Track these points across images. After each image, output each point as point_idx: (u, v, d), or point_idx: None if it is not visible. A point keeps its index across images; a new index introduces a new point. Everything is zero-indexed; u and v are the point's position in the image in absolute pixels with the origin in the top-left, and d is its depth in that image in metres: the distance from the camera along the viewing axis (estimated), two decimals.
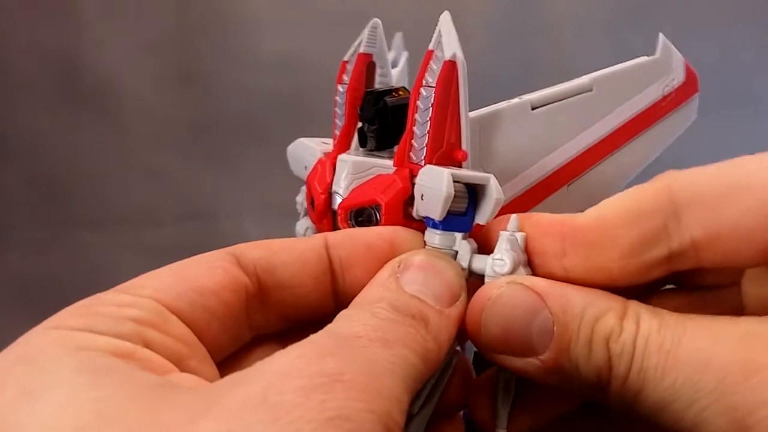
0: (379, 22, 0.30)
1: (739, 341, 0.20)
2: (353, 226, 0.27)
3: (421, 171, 0.25)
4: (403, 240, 0.25)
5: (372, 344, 0.19)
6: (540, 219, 0.24)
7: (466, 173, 0.24)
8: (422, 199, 0.24)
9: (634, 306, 0.22)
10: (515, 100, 0.30)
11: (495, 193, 0.24)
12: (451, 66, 0.25)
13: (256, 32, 0.77)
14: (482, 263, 0.24)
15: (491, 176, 0.24)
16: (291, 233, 0.33)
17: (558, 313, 0.22)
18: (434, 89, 0.25)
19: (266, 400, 0.16)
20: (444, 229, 0.24)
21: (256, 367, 0.18)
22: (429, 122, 0.25)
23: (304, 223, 0.33)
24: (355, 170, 0.27)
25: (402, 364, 0.19)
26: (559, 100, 0.31)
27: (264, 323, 0.24)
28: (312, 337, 0.19)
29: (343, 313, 0.21)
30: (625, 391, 0.21)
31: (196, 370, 0.21)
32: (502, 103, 0.29)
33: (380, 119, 0.28)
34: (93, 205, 0.85)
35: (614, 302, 0.22)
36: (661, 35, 0.34)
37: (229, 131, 0.81)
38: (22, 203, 0.85)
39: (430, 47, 0.26)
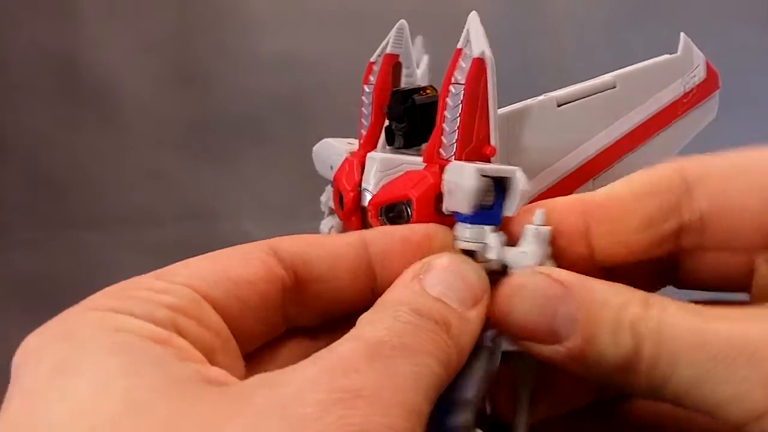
0: (406, 23, 0.31)
1: None
2: (384, 223, 0.27)
3: (447, 168, 0.25)
4: (437, 235, 0.25)
5: (395, 352, 0.19)
6: (557, 202, 0.25)
7: (492, 167, 0.25)
8: (449, 194, 0.25)
9: (655, 295, 0.23)
10: (541, 97, 0.31)
11: (521, 185, 0.24)
12: (479, 63, 0.26)
13: (256, 32, 0.77)
14: (511, 255, 0.25)
15: (517, 169, 0.25)
16: (291, 232, 0.33)
17: (583, 301, 0.22)
18: (464, 86, 0.26)
19: (287, 412, 0.17)
20: (473, 222, 0.25)
21: (282, 375, 0.18)
22: (458, 119, 0.26)
23: (328, 222, 0.34)
24: (383, 167, 0.28)
25: (425, 373, 0.20)
26: (584, 97, 0.32)
27: (298, 316, 0.25)
28: (337, 345, 0.20)
29: (366, 316, 0.21)
30: (652, 374, 0.21)
31: (225, 363, 0.21)
32: (528, 100, 0.30)
33: (409, 117, 0.29)
34: (93, 205, 0.85)
35: (637, 292, 0.23)
36: (682, 34, 0.35)
37: (229, 131, 0.81)
38: (22, 203, 0.85)
39: (459, 46, 0.26)
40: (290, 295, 0.24)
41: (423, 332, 0.21)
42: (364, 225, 0.29)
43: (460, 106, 0.26)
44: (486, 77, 0.26)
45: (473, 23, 0.26)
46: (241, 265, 0.24)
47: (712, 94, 0.37)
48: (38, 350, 0.19)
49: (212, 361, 0.21)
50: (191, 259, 0.24)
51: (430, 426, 0.21)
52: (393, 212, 0.27)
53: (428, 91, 0.29)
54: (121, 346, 0.19)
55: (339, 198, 0.30)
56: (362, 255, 0.25)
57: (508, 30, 0.74)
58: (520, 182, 0.24)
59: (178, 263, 0.24)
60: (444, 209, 0.26)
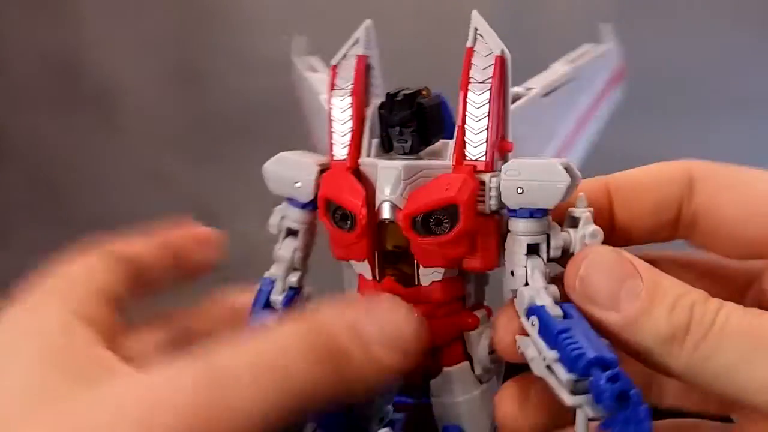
0: (371, 22, 0.29)
1: None
2: (420, 234, 0.26)
3: (511, 166, 0.26)
4: None
5: (240, 375, 0.21)
6: (586, 183, 0.27)
7: (562, 161, 0.26)
8: (526, 192, 0.26)
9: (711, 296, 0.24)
10: (521, 88, 0.32)
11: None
12: (502, 61, 0.26)
13: (256, 32, 0.77)
14: (570, 238, 0.26)
15: (564, 160, 0.26)
16: None
17: (649, 281, 0.24)
18: (490, 85, 0.26)
19: (112, 422, 0.20)
20: (532, 216, 0.26)
21: (127, 380, 0.22)
22: (487, 117, 0.26)
23: (290, 244, 0.30)
24: (407, 175, 0.27)
25: (266, 401, 0.21)
26: (558, 88, 0.33)
27: None
28: (186, 361, 0.22)
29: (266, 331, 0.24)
30: (695, 352, 0.23)
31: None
32: (514, 88, 0.30)
33: (419, 121, 0.27)
34: (93, 205, 0.85)
35: (700, 290, 0.25)
36: (605, 25, 0.38)
37: (229, 131, 0.81)
38: (22, 203, 0.85)
39: (469, 45, 0.27)
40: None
41: (300, 361, 0.22)
42: (375, 241, 0.28)
43: (488, 104, 0.26)
44: (507, 73, 0.27)
45: (479, 22, 0.27)
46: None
47: (622, 81, 0.40)
48: None
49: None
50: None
51: None
52: (432, 220, 0.26)
53: (424, 93, 0.28)
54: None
55: (336, 217, 0.28)
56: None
57: (508, 29, 0.74)
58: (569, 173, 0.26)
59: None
60: (513, 206, 0.26)
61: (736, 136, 0.62)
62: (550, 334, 0.24)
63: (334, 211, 0.28)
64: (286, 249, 0.30)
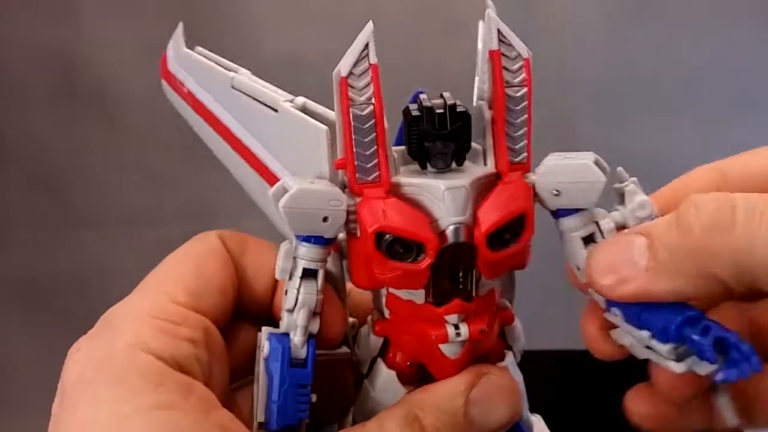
0: (372, 25, 0.27)
1: None
2: (495, 249, 0.25)
3: (544, 169, 0.26)
4: None
5: None
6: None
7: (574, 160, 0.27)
8: (564, 193, 0.26)
9: None
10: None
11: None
12: (529, 64, 0.26)
13: (256, 32, 0.77)
14: (621, 215, 0.27)
15: (592, 155, 0.26)
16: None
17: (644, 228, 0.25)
18: (527, 87, 0.26)
19: None
20: (577, 212, 0.27)
21: None
22: (526, 120, 0.26)
23: (310, 288, 0.27)
24: (474, 191, 0.26)
25: None
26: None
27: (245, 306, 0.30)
28: None
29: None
30: (744, 235, 0.22)
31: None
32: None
33: (464, 133, 0.26)
34: (93, 205, 0.85)
35: None
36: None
37: None
38: (22, 203, 0.85)
39: (494, 47, 0.26)
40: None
41: None
42: (440, 268, 0.26)
43: (526, 106, 0.26)
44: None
45: (499, 24, 0.26)
46: (219, 268, 0.27)
47: None
48: (83, 382, 0.23)
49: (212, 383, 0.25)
50: (170, 264, 0.27)
51: None
52: (508, 233, 0.26)
53: (458, 102, 0.26)
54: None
55: (394, 249, 0.25)
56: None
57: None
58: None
59: (161, 271, 0.27)
60: (551, 208, 0.27)
61: (737, 136, 0.62)
62: (634, 317, 0.25)
63: (391, 243, 0.25)
64: (308, 293, 0.27)
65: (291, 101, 0.28)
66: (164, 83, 0.31)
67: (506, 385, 0.27)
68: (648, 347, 0.25)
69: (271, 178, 0.29)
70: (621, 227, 0.27)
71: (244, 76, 0.29)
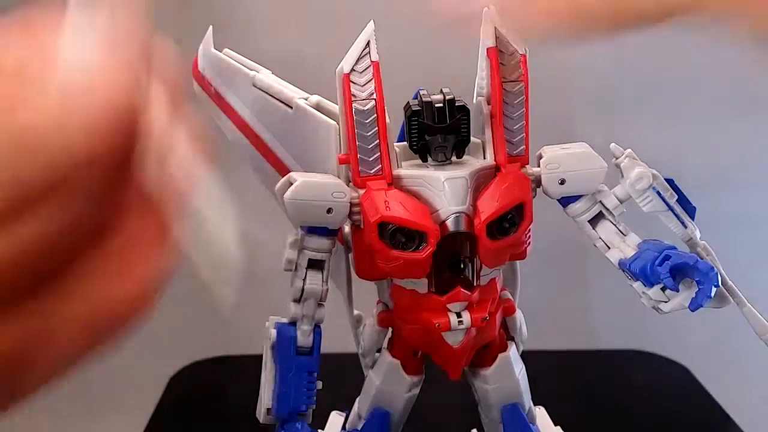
0: (373, 24, 0.28)
1: None
2: (495, 238, 0.26)
3: (550, 159, 0.28)
4: None
5: None
6: None
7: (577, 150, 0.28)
8: (569, 182, 0.27)
9: None
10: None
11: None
12: (526, 59, 0.27)
13: (256, 32, 0.77)
14: (623, 191, 0.28)
15: (584, 143, 0.28)
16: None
17: None
18: (523, 83, 0.27)
19: None
20: (578, 199, 0.28)
21: None
22: (523, 114, 0.28)
23: (317, 278, 0.27)
24: (471, 183, 0.27)
25: None
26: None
27: None
28: None
29: None
30: None
31: None
32: None
33: (465, 127, 0.27)
34: None
35: None
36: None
37: None
38: None
39: (491, 44, 0.27)
40: None
41: None
42: (442, 258, 0.27)
43: (524, 101, 0.28)
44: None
45: (497, 21, 0.27)
46: None
47: None
48: None
49: None
50: None
51: None
52: (508, 222, 0.27)
53: (457, 97, 0.27)
54: None
55: (396, 239, 0.26)
56: None
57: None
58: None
59: None
60: (555, 196, 0.28)
61: (738, 136, 0.62)
62: (633, 272, 0.27)
63: (394, 233, 0.26)
64: (314, 283, 0.28)
65: (306, 99, 0.30)
66: (195, 83, 0.32)
67: None
68: (649, 298, 0.27)
69: (286, 172, 0.29)
70: (624, 201, 0.28)
71: (264, 75, 0.31)
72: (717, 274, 0.26)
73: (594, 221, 0.28)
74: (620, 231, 0.28)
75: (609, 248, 0.28)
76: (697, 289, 0.26)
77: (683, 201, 0.28)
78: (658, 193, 0.27)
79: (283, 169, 0.30)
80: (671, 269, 0.26)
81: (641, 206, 0.27)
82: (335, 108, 0.28)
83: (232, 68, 0.31)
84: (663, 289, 0.26)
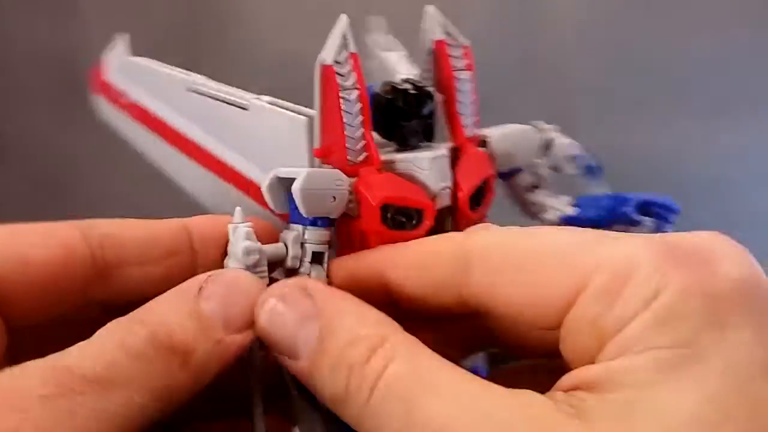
0: (347, 17, 0.29)
1: (481, 419, 0.18)
2: (473, 209, 0.29)
3: (498, 137, 0.31)
4: (266, 227, 0.26)
5: (84, 388, 0.18)
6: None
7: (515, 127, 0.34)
8: (512, 155, 0.32)
9: (395, 339, 0.21)
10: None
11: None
12: (469, 49, 0.30)
13: (256, 32, 0.77)
14: (553, 162, 0.35)
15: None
16: None
17: (324, 326, 0.21)
18: (471, 72, 0.30)
19: None
20: (521, 170, 0.34)
21: None
22: (474, 100, 0.30)
23: (319, 273, 0.27)
24: (448, 160, 0.29)
25: (120, 412, 0.18)
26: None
27: (108, 298, 0.24)
28: (31, 366, 0.19)
29: (98, 333, 0.21)
30: (359, 422, 0.20)
31: None
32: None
33: (433, 113, 0.30)
34: (93, 205, 0.85)
35: (377, 329, 0.21)
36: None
37: None
38: (22, 203, 0.85)
39: (439, 37, 0.29)
40: (96, 277, 0.24)
41: (140, 363, 0.19)
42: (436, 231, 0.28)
43: (472, 87, 0.30)
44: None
45: (438, 17, 0.30)
46: (40, 243, 0.24)
47: None
48: None
49: None
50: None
51: None
52: (479, 194, 0.29)
53: (408, 87, 0.30)
54: None
55: (396, 219, 0.27)
56: (182, 239, 0.25)
57: (507, 28, 0.74)
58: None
59: None
60: (505, 169, 0.32)
61: (738, 136, 0.62)
62: (588, 218, 0.32)
63: (393, 215, 0.26)
64: (318, 277, 0.27)
65: (258, 99, 0.30)
66: (96, 98, 0.32)
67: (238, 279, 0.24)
68: None
69: (235, 177, 0.30)
70: (554, 170, 0.33)
71: (201, 78, 0.31)
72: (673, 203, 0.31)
73: (530, 190, 0.34)
74: (552, 195, 0.34)
75: (547, 210, 0.33)
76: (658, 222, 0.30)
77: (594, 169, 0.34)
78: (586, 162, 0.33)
79: (230, 174, 0.30)
80: (636, 205, 0.30)
81: (571, 172, 0.34)
82: (293, 106, 0.29)
83: (156, 73, 0.32)
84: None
